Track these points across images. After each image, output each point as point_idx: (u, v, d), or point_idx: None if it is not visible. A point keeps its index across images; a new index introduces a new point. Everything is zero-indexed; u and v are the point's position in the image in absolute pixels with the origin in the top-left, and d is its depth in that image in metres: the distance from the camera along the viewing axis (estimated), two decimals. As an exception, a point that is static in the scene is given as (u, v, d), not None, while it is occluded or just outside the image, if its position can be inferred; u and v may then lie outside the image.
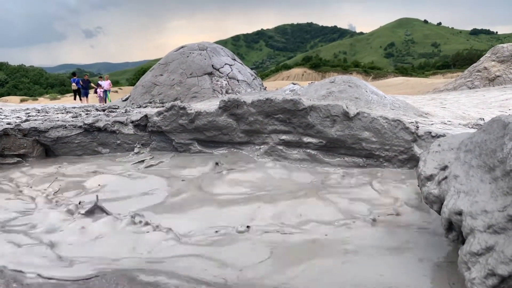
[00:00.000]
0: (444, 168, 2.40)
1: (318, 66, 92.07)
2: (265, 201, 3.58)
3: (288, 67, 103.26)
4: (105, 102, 21.36)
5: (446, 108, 7.89)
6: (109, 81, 22.86)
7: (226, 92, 9.50)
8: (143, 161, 5.11)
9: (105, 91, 22.61)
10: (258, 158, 4.95)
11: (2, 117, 6.77)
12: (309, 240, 2.76)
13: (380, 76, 73.29)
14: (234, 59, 11.03)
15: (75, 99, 22.82)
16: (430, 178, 2.46)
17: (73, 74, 25.22)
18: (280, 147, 4.92)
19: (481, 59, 16.69)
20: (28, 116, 6.77)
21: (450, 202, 2.11)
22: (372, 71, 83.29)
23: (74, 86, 22.56)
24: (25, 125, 5.37)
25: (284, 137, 4.87)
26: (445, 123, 5.28)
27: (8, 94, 69.06)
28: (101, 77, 23.80)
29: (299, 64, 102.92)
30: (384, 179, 4.04)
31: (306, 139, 4.76)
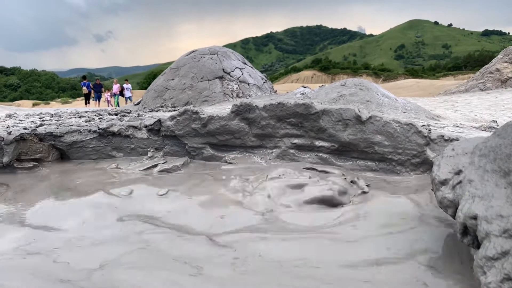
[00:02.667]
0: (459, 172, 2.41)
1: (328, 68, 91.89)
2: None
3: (297, 70, 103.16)
4: (114, 106, 21.63)
5: (458, 111, 7.85)
6: (118, 85, 23.17)
7: (237, 95, 9.55)
8: (156, 165, 5.17)
9: (114, 95, 22.93)
10: (270, 162, 4.98)
11: (17, 121, 6.89)
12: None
13: (391, 78, 72.95)
14: (245, 63, 11.09)
15: (86, 104, 22.76)
16: (444, 182, 2.47)
17: (83, 77, 24.40)
18: (292, 151, 4.94)
19: (493, 60, 16.53)
20: (43, 120, 6.88)
21: (465, 206, 2.12)
22: (383, 73, 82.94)
23: (85, 90, 22.38)
24: (40, 130, 5.46)
25: (296, 141, 4.90)
26: (457, 126, 5.26)
27: (21, 98, 70.10)
28: (126, 80, 23.99)
29: (308, 67, 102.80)
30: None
31: (318, 143, 4.78)
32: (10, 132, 5.12)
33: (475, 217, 2.01)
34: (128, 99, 22.53)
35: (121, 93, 23.22)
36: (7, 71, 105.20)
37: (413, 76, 66.22)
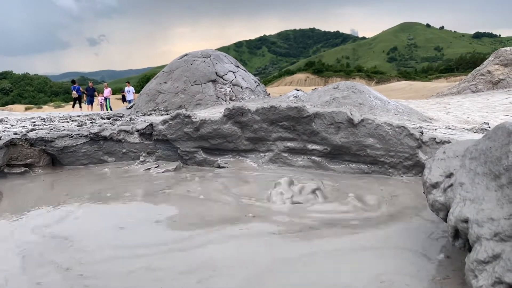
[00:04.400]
0: (450, 175, 2.41)
1: (321, 71, 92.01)
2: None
3: (291, 73, 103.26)
4: (106, 110, 21.58)
5: (450, 113, 7.89)
6: (109, 89, 23.22)
7: (230, 99, 9.54)
8: (148, 169, 5.14)
9: (105, 99, 22.89)
10: (262, 165, 4.97)
11: (8, 126, 6.82)
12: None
13: (383, 81, 73.32)
14: (238, 66, 11.09)
15: (73, 107, 22.71)
16: (435, 185, 2.47)
17: (73, 81, 24.19)
18: (285, 154, 4.93)
19: (485, 62, 16.64)
20: (34, 125, 6.82)
21: (456, 209, 2.12)
22: (375, 75, 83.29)
23: (74, 94, 22.33)
24: (31, 135, 5.41)
25: (288, 144, 4.89)
26: (449, 128, 5.28)
27: (13, 103, 69.61)
28: (128, 83, 23.73)
29: (302, 70, 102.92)
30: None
31: (311, 146, 4.77)
32: (0, 137, 5.06)
33: (466, 220, 2.01)
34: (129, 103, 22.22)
35: (124, 97, 23.07)
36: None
37: (406, 79, 66.61)
